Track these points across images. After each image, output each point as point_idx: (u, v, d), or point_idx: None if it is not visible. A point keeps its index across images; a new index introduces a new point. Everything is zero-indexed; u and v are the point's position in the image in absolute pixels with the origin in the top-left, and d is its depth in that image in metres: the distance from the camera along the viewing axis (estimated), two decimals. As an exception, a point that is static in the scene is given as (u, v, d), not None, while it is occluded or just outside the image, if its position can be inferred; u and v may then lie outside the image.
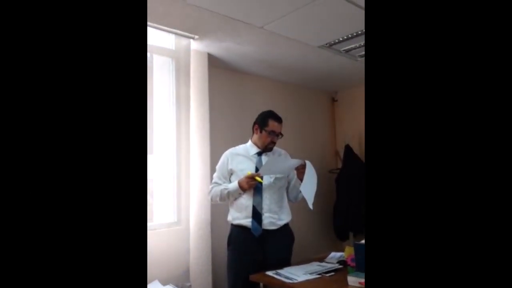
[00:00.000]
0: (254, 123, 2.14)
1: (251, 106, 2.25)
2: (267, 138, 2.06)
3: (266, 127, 2.06)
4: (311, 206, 1.90)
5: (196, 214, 2.39)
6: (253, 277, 1.89)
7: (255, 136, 2.12)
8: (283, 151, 2.23)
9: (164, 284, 1.49)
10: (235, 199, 2.02)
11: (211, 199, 2.09)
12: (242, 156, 2.10)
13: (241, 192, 1.99)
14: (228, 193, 2.01)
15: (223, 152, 2.17)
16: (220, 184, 2.08)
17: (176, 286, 1.47)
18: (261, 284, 1.93)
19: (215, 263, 2.46)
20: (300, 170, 1.98)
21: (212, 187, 2.09)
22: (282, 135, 2.12)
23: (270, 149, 2.11)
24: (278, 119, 2.10)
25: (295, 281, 1.74)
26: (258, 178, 1.95)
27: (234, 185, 2.00)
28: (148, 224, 2.24)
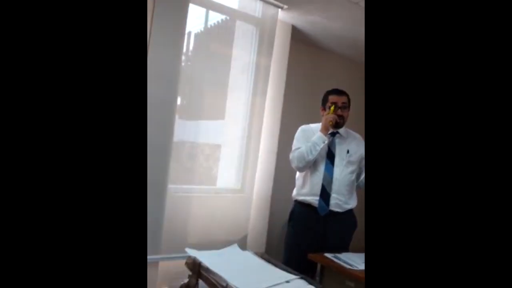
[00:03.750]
0: (321, 107, 2.11)
1: (328, 85, 2.17)
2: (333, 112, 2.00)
3: (327, 103, 2.05)
4: None
5: (258, 185, 2.41)
6: (312, 257, 1.88)
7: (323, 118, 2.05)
8: (358, 135, 2.16)
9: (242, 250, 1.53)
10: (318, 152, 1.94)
11: (296, 162, 1.98)
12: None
13: (324, 138, 1.95)
14: (313, 143, 1.94)
15: (292, 128, 2.14)
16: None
17: (255, 254, 1.49)
18: (319, 265, 1.92)
19: (269, 236, 2.50)
20: None
21: (295, 150, 2.01)
22: (347, 107, 2.05)
23: (340, 125, 2.03)
24: (338, 92, 2.06)
25: (356, 269, 1.71)
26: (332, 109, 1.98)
27: (316, 135, 1.96)
28: (214, 187, 2.30)
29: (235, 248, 1.52)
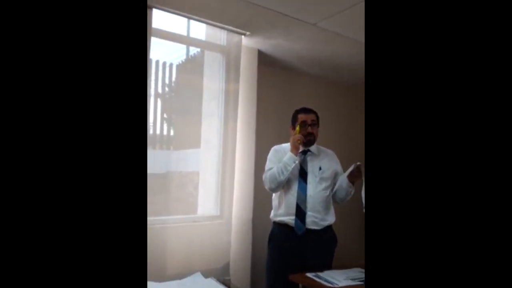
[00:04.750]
0: (290, 127, 2.15)
1: (298, 104, 2.22)
2: (300, 131, 2.03)
3: (296, 122, 2.08)
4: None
5: (238, 209, 2.40)
6: (293, 278, 1.86)
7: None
8: (330, 151, 2.18)
9: (205, 277, 1.50)
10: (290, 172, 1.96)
11: (268, 184, 2.00)
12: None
13: (295, 157, 1.96)
14: (284, 164, 1.95)
15: (268, 150, 2.17)
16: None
17: (218, 280, 1.47)
18: (300, 286, 1.89)
19: (254, 259, 2.46)
20: (356, 174, 1.95)
21: (267, 171, 2.03)
22: (316, 124, 2.09)
23: (310, 142, 2.06)
24: (306, 110, 2.10)
25: (336, 286, 1.69)
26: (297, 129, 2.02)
27: (287, 155, 1.97)
28: (191, 216, 2.29)
29: (198, 277, 1.50)
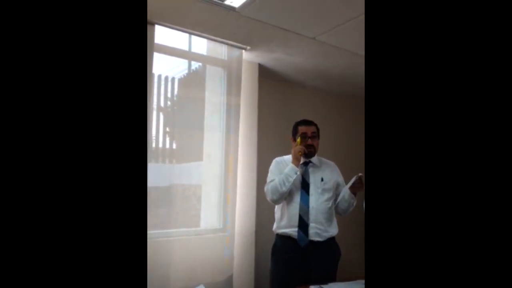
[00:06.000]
0: (291, 139, 2.17)
1: (299, 117, 2.24)
2: (301, 142, 2.05)
3: (297, 134, 2.09)
4: None
5: (241, 222, 2.40)
6: (297, 290, 1.85)
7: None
8: (331, 162, 2.20)
9: (209, 289, 1.50)
10: (291, 183, 1.96)
11: (270, 195, 2.00)
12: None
13: (296, 169, 1.97)
14: (285, 175, 1.96)
15: (269, 162, 2.18)
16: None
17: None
18: (304, 298, 1.88)
19: (258, 272, 2.45)
20: (358, 185, 1.96)
21: (269, 183, 2.04)
22: (316, 136, 2.10)
23: (311, 154, 2.08)
24: (307, 122, 2.12)
25: (340, 298, 1.68)
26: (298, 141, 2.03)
27: (288, 167, 1.99)
28: (194, 229, 2.29)
29: (200, 289, 1.50)
